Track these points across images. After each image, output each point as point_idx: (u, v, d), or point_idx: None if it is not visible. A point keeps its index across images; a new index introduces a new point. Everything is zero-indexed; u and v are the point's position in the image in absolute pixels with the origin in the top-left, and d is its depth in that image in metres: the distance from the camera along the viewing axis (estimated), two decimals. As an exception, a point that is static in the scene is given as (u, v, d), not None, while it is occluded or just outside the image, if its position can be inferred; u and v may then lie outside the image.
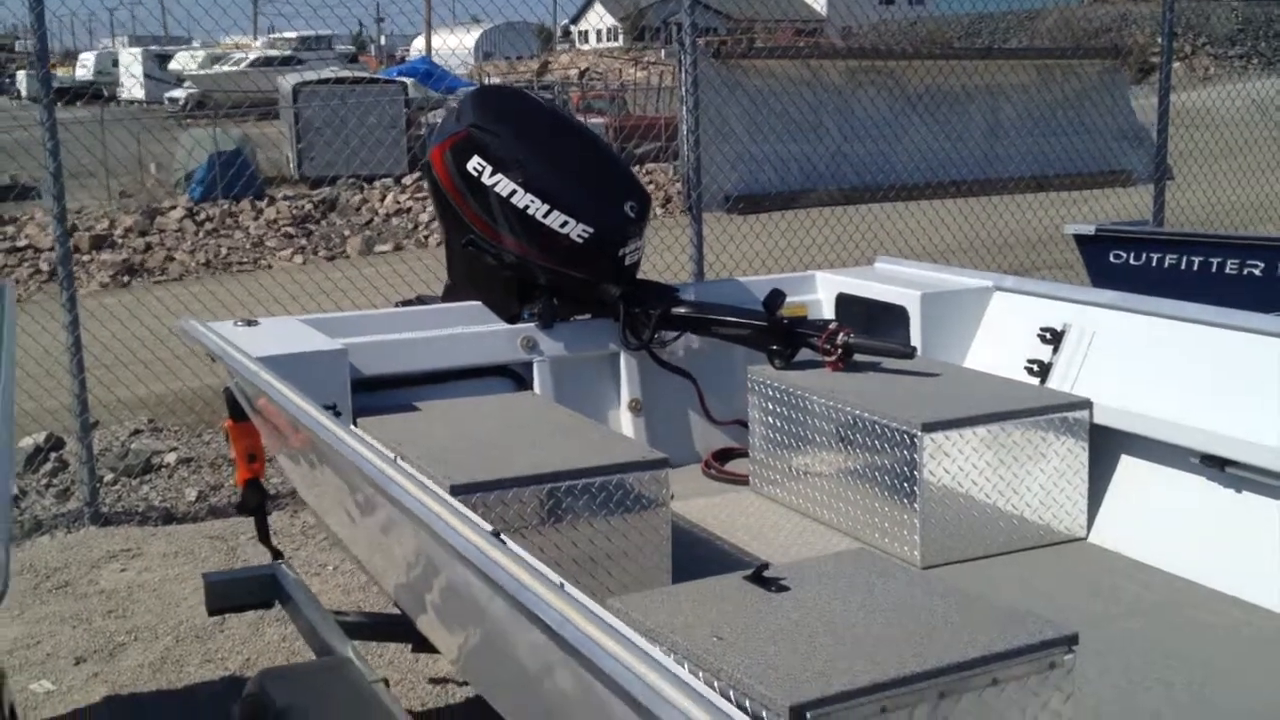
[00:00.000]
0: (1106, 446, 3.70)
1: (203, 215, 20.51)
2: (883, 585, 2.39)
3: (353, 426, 3.58)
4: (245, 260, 18.78)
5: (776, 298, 4.19)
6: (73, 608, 5.41)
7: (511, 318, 4.35)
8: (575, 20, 74.62)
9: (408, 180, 22.26)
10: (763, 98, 7.77)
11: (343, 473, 3.11)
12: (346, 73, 31.73)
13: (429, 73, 35.52)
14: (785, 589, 2.36)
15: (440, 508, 2.30)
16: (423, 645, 3.85)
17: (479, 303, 4.35)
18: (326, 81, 26.86)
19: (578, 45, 64.65)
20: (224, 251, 19.08)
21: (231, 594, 3.98)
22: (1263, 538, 3.26)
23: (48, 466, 7.33)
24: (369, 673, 3.08)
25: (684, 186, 7.69)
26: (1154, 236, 6.03)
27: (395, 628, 3.84)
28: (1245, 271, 5.56)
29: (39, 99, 6.68)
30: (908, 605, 2.29)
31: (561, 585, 1.92)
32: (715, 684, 2.05)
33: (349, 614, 4.01)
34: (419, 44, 52.41)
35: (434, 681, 4.63)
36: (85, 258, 17.76)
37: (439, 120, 5.16)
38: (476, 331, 4.28)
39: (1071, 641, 2.17)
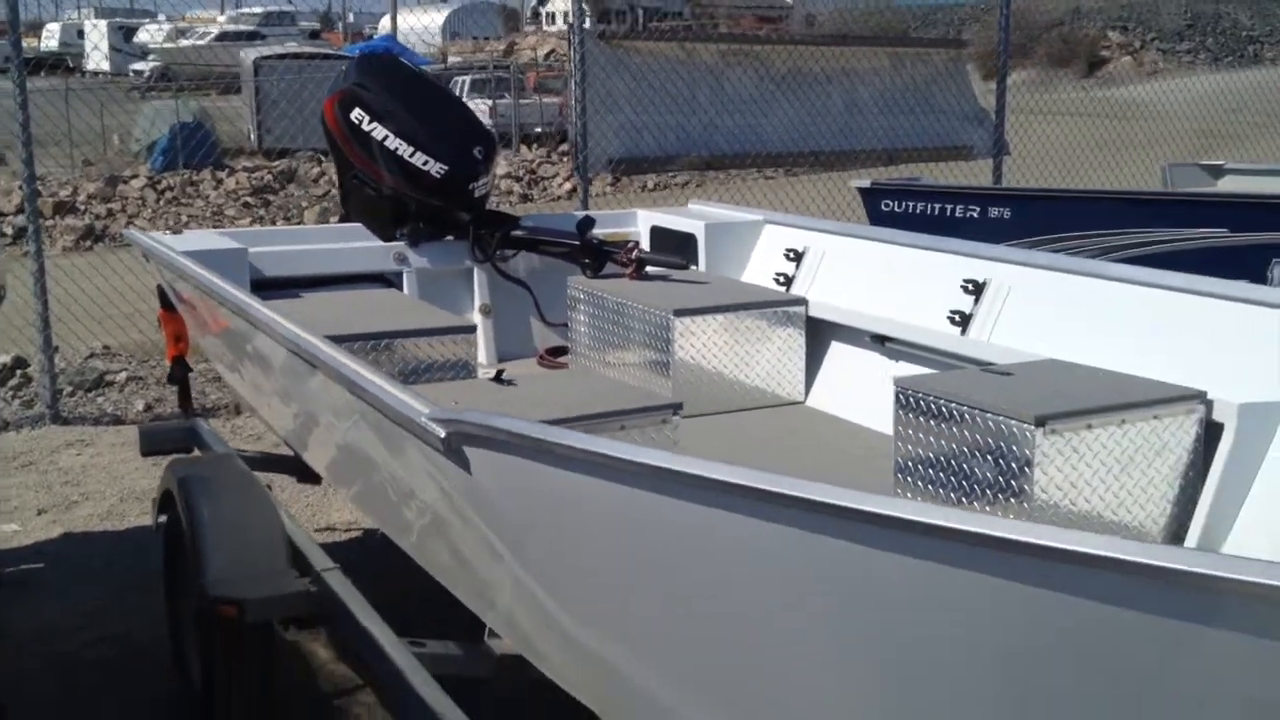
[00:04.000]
0: (819, 333, 4.93)
1: (164, 184, 21.32)
2: (578, 382, 3.61)
3: None
4: (204, 228, 19.77)
5: (586, 223, 5.40)
6: (36, 479, 6.58)
7: (387, 237, 5.53)
8: (543, 1, 75.20)
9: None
10: (643, 75, 8.97)
11: (242, 330, 4.29)
12: (307, 48, 32.65)
13: (392, 50, 36.26)
14: (512, 384, 3.57)
15: (326, 349, 3.45)
16: (305, 476, 5.04)
17: (360, 224, 5.54)
18: (286, 56, 27.73)
19: (544, 27, 65.25)
20: (184, 219, 19.99)
21: (159, 440, 5.18)
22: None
23: (14, 381, 8.47)
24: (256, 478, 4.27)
25: (572, 150, 8.90)
26: (910, 188, 7.32)
27: (284, 463, 5.04)
28: (968, 215, 6.86)
29: (8, 68, 7.75)
30: (586, 390, 3.50)
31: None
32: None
33: (249, 452, 5.20)
34: (386, 23, 53.01)
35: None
36: (49, 223, 18.66)
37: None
38: (357, 246, 5.47)
39: (677, 408, 3.39)
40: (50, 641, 4.73)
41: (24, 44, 8.07)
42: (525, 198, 22.04)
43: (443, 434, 2.40)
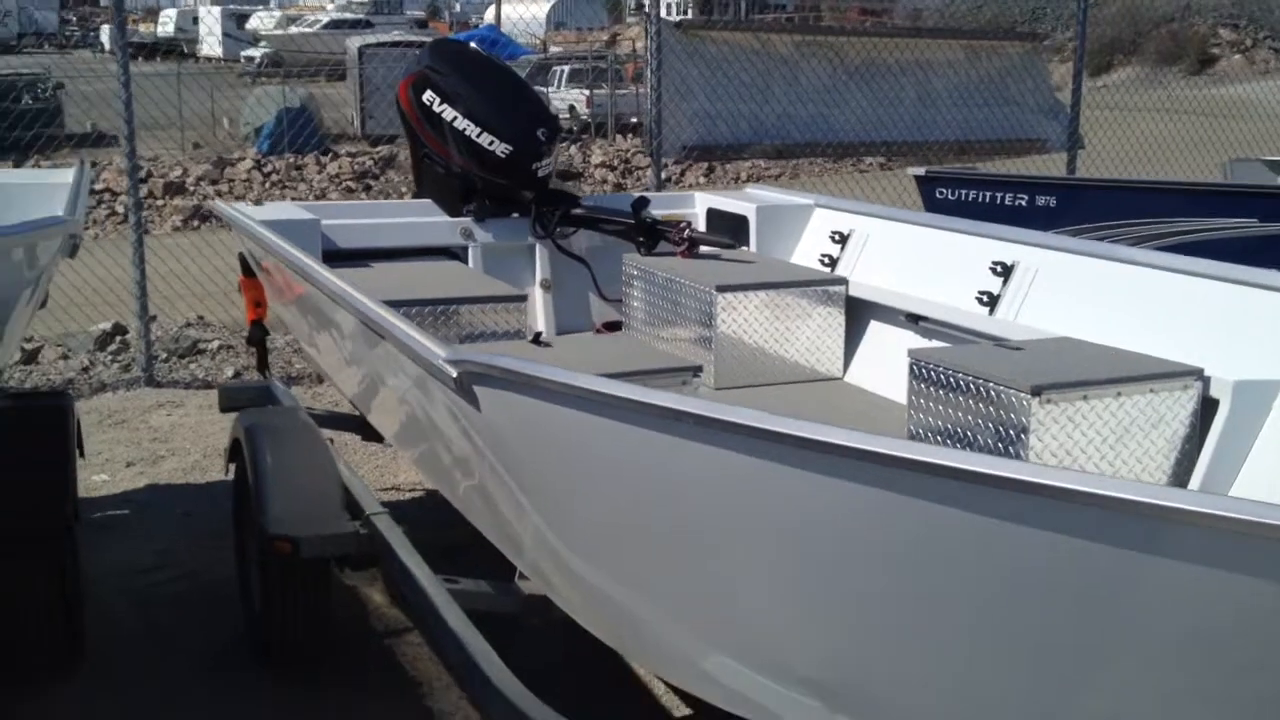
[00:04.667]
0: (858, 312, 5.12)
1: (269, 167, 21.96)
2: (611, 346, 3.86)
3: None
4: (305, 209, 20.26)
5: (641, 203, 5.65)
6: (127, 435, 7.02)
7: (454, 213, 5.83)
8: (647, -7, 75.15)
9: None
10: (718, 64, 9.19)
11: (310, 295, 4.61)
12: (413, 37, 33.30)
13: (494, 40, 36.81)
14: (549, 345, 3.84)
15: (384, 312, 3.74)
16: (368, 435, 5.36)
17: (429, 200, 5.85)
18: (391, 44, 28.34)
19: (648, 18, 64.91)
20: (288, 201, 20.63)
21: (237, 397, 5.54)
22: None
23: (113, 346, 8.97)
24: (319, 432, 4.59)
25: (647, 136, 9.15)
26: (963, 176, 7.47)
27: (349, 421, 5.37)
28: (1016, 202, 7.01)
29: (114, 52, 8.19)
30: (615, 352, 3.76)
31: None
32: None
33: (317, 409, 5.55)
34: (492, 13, 53.63)
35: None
36: (159, 202, 19.38)
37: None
38: (425, 221, 5.78)
39: (697, 370, 3.63)
40: (131, 579, 5.12)
41: (141, 29, 8.52)
42: (619, 186, 22.31)
43: (454, 373, 2.67)
